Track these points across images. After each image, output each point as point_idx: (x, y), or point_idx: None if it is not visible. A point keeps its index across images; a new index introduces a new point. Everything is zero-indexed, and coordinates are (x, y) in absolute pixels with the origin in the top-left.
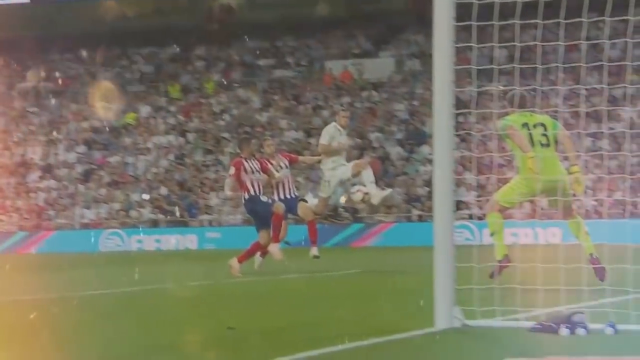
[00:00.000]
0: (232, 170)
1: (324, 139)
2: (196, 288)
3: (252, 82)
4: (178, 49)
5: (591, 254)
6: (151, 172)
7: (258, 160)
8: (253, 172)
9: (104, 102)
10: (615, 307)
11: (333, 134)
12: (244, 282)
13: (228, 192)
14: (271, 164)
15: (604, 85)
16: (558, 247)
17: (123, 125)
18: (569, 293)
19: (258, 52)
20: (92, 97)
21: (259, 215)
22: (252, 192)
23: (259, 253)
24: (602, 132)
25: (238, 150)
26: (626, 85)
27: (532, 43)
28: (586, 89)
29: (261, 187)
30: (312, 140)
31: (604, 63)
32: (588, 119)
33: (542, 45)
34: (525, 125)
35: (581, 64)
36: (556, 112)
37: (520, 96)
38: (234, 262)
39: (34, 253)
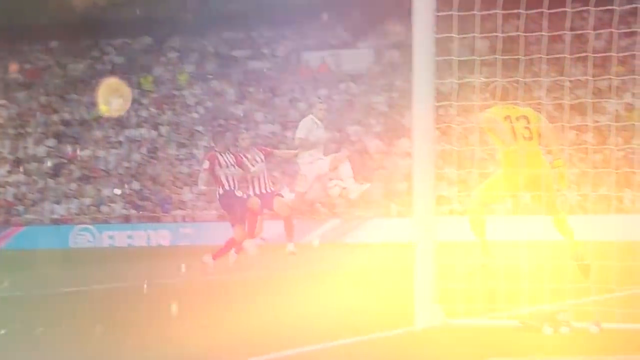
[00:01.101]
0: (206, 165)
1: (300, 132)
2: (169, 285)
3: (227, 73)
4: (151, 40)
5: (575, 251)
6: (123, 167)
7: (233, 154)
8: (228, 167)
9: (113, 99)
10: (600, 305)
11: (310, 127)
12: (218, 279)
13: (202, 187)
14: (246, 158)
15: (588, 77)
16: (541, 243)
17: (94, 118)
18: (552, 291)
19: (234, 43)
20: (100, 94)
21: (234, 210)
22: (226, 187)
23: (234, 249)
24: (586, 125)
25: (212, 144)
26: (611, 77)
27: (514, 34)
28: (570, 81)
29: (236, 182)
30: (289, 134)
31: (589, 54)
32: (572, 111)
33: (525, 36)
34: (507, 118)
35: (565, 55)
36: (539, 104)
37: (502, 88)
38: (208, 258)
39: (2, 249)
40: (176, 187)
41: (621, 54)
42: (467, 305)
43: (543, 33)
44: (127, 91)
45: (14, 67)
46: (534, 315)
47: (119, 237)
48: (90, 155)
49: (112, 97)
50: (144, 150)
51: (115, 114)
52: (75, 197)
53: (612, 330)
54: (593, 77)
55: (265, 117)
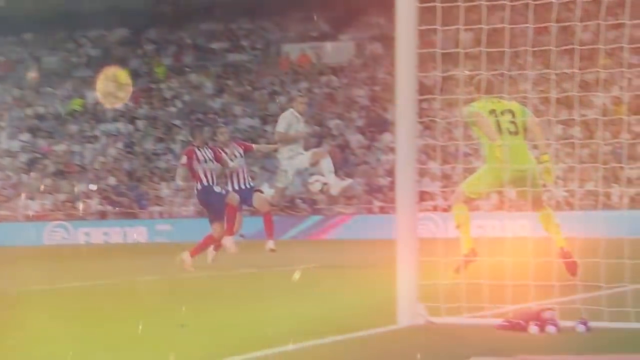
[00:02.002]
0: (184, 159)
1: (280, 127)
2: (146, 283)
3: (205, 66)
4: (127, 32)
5: (562, 248)
6: (99, 162)
7: (211, 149)
8: (206, 161)
9: (112, 89)
10: (587, 303)
11: (290, 121)
12: (196, 277)
13: (180, 182)
14: (225, 152)
15: (575, 70)
16: (527, 240)
17: (69, 112)
18: (538, 288)
19: (211, 35)
20: (99, 83)
21: (212, 206)
22: (205, 183)
23: (212, 246)
24: (573, 119)
25: (190, 138)
26: (599, 69)
27: (499, 25)
28: (556, 74)
29: (215, 177)
30: (268, 128)
31: (575, 47)
32: (559, 105)
33: (511, 28)
34: (492, 112)
35: (551, 48)
36: (525, 98)
37: (487, 81)
38: (185, 255)
39: None
40: (153, 182)
41: (609, 46)
42: (451, 304)
43: (529, 25)
44: (127, 82)
45: None
46: (519, 313)
47: (94, 233)
48: (66, 150)
49: (113, 88)
50: (120, 144)
51: (115, 105)
52: (50, 193)
53: (600, 330)
54: (580, 70)
55: (245, 110)
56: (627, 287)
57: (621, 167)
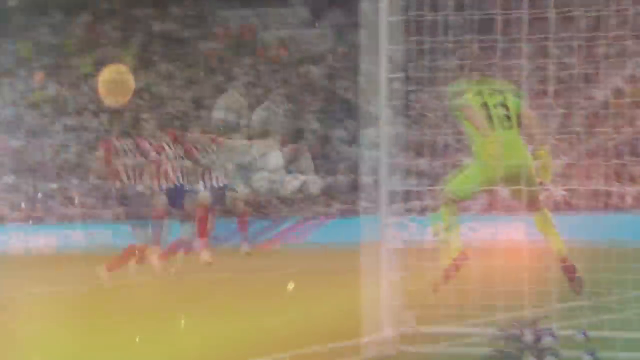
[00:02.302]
0: (100, 153)
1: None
2: (112, 290)
3: (176, 55)
4: (91, 18)
5: (559, 252)
6: (60, 159)
7: (183, 144)
8: (175, 158)
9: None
10: (587, 310)
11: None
12: (167, 282)
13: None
14: (197, 148)
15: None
16: (522, 244)
17: (30, 104)
18: (534, 295)
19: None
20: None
21: (134, 208)
22: (175, 182)
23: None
24: (572, 113)
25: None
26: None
27: (492, 12)
28: (554, 64)
29: (138, 175)
30: (243, 121)
31: (574, 35)
32: (556, 97)
33: (503, 16)
34: (484, 105)
35: (549, 36)
36: (520, 89)
37: (479, 72)
38: (102, 271)
39: None
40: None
41: (611, 34)
42: (440, 312)
43: (523, 11)
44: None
45: None
46: (513, 322)
47: (58, 236)
48: (24, 146)
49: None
50: (83, 140)
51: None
52: (8, 192)
53: (599, 338)
54: (579, 60)
55: (217, 103)
56: (628, 294)
57: (623, 164)
